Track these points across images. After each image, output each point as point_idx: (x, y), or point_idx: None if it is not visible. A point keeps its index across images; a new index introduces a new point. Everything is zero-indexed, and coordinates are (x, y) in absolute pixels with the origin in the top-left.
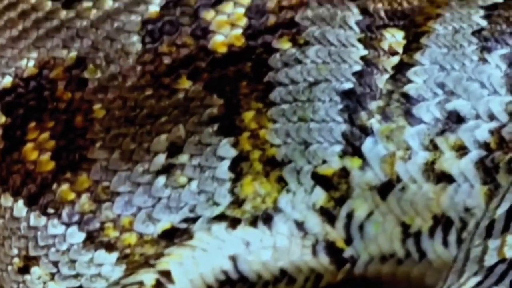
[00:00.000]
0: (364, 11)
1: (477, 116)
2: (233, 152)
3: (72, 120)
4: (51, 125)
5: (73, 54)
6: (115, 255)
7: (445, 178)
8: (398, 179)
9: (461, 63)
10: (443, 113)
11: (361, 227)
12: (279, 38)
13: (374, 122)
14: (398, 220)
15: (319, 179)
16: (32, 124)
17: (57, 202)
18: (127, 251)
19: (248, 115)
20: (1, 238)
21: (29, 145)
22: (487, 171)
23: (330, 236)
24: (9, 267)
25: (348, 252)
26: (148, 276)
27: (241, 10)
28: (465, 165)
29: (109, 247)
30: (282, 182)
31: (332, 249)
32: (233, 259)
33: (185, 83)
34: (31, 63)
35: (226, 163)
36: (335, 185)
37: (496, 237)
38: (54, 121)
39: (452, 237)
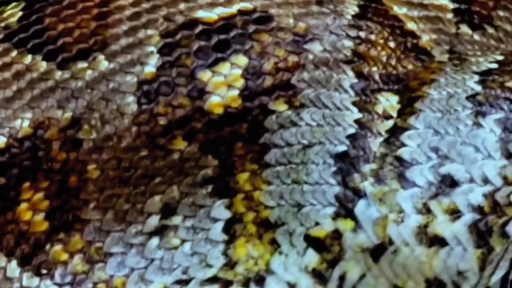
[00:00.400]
0: (359, 74)
1: (471, 180)
2: (227, 214)
3: (66, 181)
4: (45, 185)
5: (68, 114)
6: None
7: (438, 242)
8: (391, 242)
9: (455, 128)
10: (436, 177)
11: None
12: (276, 100)
13: (367, 185)
14: (391, 283)
15: (312, 241)
16: (26, 184)
17: (50, 262)
18: None
19: (243, 177)
20: None
21: (23, 205)
22: (481, 234)
23: None
24: None
25: None
26: None
27: (238, 71)
28: (458, 229)
29: None
30: (274, 244)
31: None
32: None
33: (180, 144)
34: (26, 123)
35: (220, 225)
36: (328, 247)
37: None
38: (48, 181)
39: None
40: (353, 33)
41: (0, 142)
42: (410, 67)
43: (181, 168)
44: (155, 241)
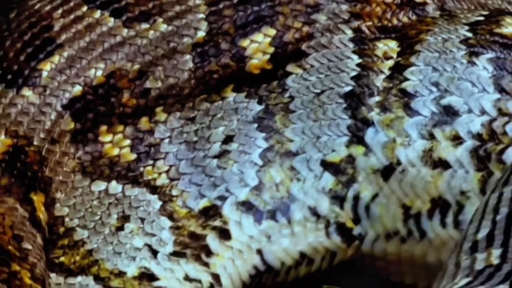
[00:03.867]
0: (355, 29)
1: (470, 111)
2: (265, 144)
3: (139, 123)
4: (121, 129)
5: (136, 67)
6: (170, 223)
7: (441, 164)
8: (398, 163)
9: (452, 66)
10: (438, 107)
11: (367, 208)
12: (292, 63)
13: (374, 115)
14: (400, 202)
15: (328, 166)
16: (103, 128)
17: (144, 177)
18: (179, 223)
19: (278, 118)
20: (98, 214)
21: (108, 146)
22: (480, 159)
23: (340, 218)
24: (106, 231)
25: (356, 230)
26: (204, 277)
27: (268, 40)
28: (461, 153)
29: (171, 217)
30: (294, 170)
31: (342, 229)
32: (260, 252)
33: (230, 93)
34: (99, 72)
35: (259, 151)
36: (342, 170)
37: (482, 252)
38: (122, 124)
39: (449, 219)
40: None
41: (76, 91)
42: (406, 20)
43: (235, 108)
44: (215, 162)
